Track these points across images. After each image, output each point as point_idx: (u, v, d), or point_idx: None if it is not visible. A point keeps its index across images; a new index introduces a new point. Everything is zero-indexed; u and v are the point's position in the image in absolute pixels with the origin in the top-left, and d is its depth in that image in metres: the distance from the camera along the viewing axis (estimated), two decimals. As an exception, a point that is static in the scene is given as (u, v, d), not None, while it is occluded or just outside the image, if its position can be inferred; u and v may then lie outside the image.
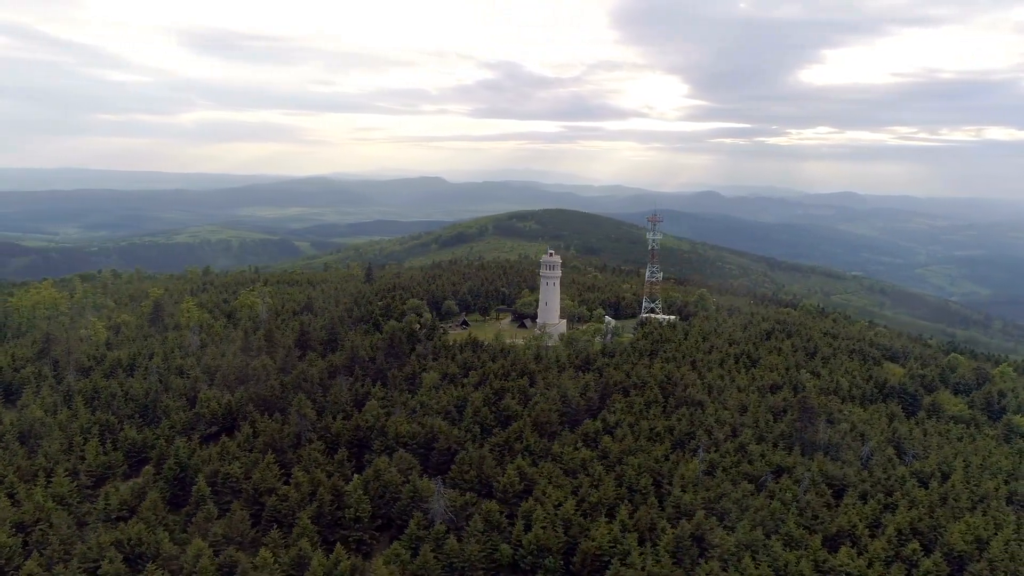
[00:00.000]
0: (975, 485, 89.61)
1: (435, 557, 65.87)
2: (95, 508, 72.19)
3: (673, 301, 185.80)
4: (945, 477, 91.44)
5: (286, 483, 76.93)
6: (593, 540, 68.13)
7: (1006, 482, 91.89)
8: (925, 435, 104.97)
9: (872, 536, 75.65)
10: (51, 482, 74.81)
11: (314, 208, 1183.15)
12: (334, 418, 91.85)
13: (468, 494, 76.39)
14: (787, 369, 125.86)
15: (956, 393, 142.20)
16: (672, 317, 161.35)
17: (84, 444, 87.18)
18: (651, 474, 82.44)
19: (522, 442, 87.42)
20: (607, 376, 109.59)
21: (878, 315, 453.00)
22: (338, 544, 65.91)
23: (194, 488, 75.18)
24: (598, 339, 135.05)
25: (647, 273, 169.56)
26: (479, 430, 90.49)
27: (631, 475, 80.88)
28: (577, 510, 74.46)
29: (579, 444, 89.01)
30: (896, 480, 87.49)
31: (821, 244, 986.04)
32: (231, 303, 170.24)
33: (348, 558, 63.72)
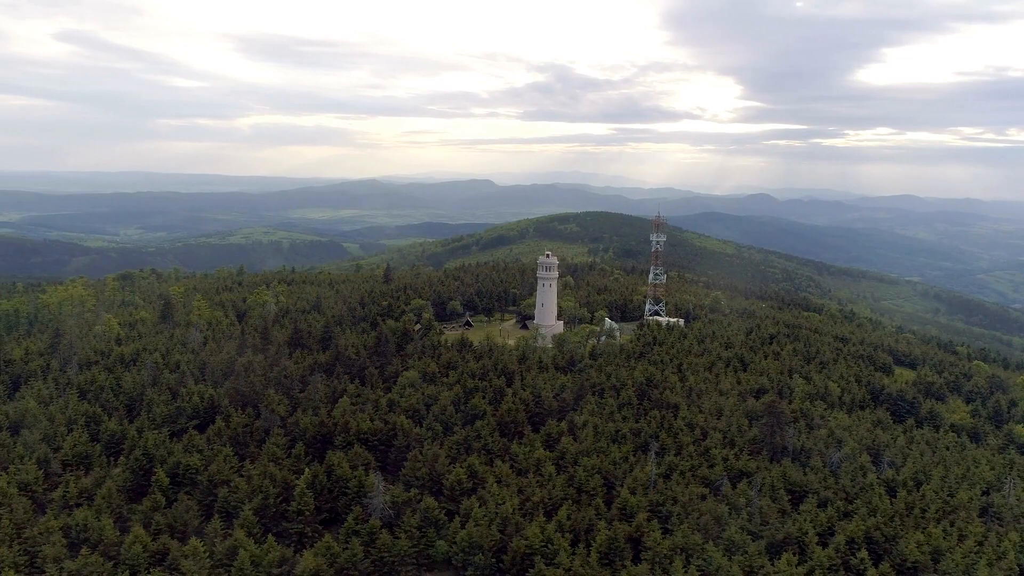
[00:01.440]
0: (948, 495, 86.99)
1: (365, 552, 67.10)
2: (55, 496, 75.55)
3: (685, 304, 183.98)
4: (919, 486, 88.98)
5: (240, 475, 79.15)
6: (525, 539, 68.44)
7: (986, 492, 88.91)
8: (910, 443, 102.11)
9: (823, 544, 74.08)
10: (20, 469, 78.48)
11: (365, 210, 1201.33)
12: (304, 414, 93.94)
13: (413, 490, 77.46)
14: (780, 373, 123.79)
15: (969, 401, 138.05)
16: (674, 320, 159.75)
17: (68, 434, 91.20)
18: (604, 476, 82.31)
19: (480, 441, 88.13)
20: (584, 377, 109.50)
21: (930, 321, 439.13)
22: (270, 536, 67.66)
23: (153, 479, 78.05)
24: (592, 341, 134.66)
25: (651, 276, 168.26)
26: (441, 428, 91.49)
27: (582, 476, 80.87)
28: (521, 509, 74.91)
29: (538, 444, 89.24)
30: (861, 488, 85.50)
31: (877, 248, 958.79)
32: (247, 301, 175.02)
33: (278, 550, 65.39)
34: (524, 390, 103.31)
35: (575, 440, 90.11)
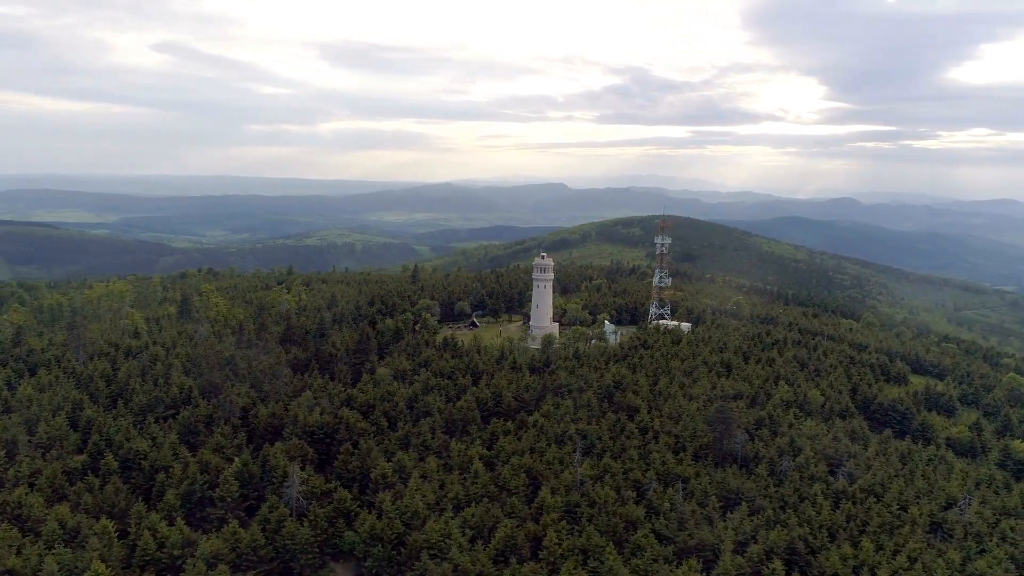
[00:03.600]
0: (900, 509, 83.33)
1: (267, 538, 69.56)
2: (8, 475, 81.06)
3: (703, 308, 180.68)
4: (874, 498, 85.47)
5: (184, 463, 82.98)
6: (423, 533, 69.52)
7: (947, 508, 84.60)
8: (880, 455, 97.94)
9: (740, 552, 72.26)
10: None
11: (440, 213, 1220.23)
12: (265, 406, 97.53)
13: (334, 482, 79.61)
14: (765, 380, 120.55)
15: (988, 415, 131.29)
16: (678, 323, 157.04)
17: (52, 419, 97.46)
18: (532, 476, 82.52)
19: (420, 437, 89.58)
20: (553, 379, 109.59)
21: (1015, 333, 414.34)
22: (179, 519, 70.94)
23: (103, 462, 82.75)
24: (578, 343, 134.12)
25: (655, 279, 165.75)
26: (386, 424, 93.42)
27: (507, 475, 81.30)
28: (438, 505, 76.01)
29: (478, 442, 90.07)
30: (801, 497, 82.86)
31: (969, 256, 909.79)
32: (269, 299, 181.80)
33: (183, 533, 68.56)
34: (485, 389, 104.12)
35: (517, 439, 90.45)
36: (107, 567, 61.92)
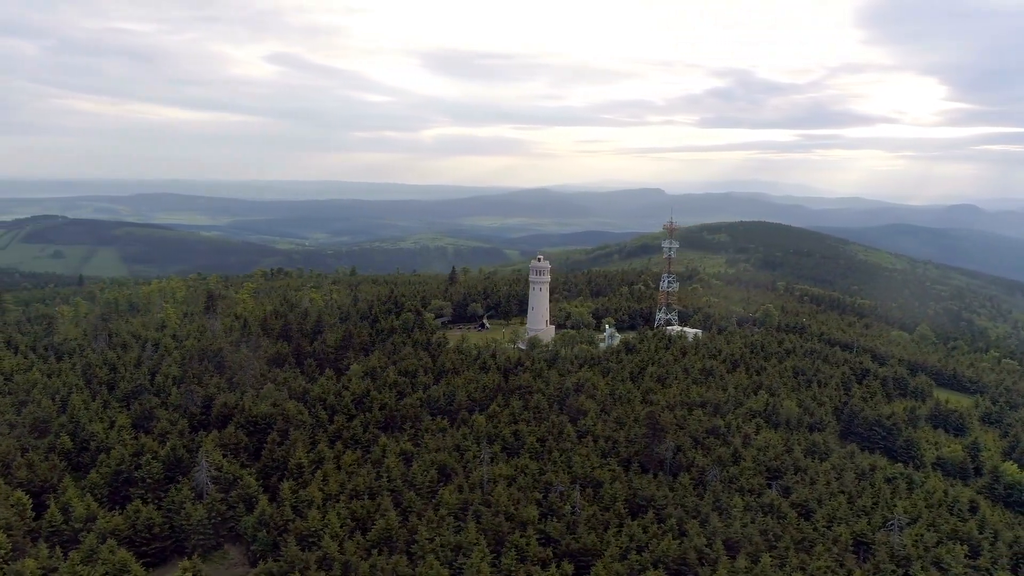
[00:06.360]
0: (826, 526, 79.16)
1: (164, 518, 73.69)
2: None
3: (728, 314, 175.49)
4: (804, 514, 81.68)
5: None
6: (305, 522, 71.81)
7: (885, 526, 79.64)
8: (835, 469, 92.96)
9: (621, 559, 70.74)
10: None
11: (534, 219, 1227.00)
12: (227, 397, 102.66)
13: (245, 469, 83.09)
14: (746, 389, 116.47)
15: (1006, 435, 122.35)
16: (682, 329, 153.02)
17: (42, 402, 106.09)
18: (444, 473, 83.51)
19: (350, 431, 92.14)
20: (514, 380, 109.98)
21: None
22: (88, 495, 76.08)
23: (58, 441, 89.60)
24: (564, 347, 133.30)
25: (663, 283, 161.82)
26: (327, 417, 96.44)
27: (417, 469, 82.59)
28: (337, 496, 78.22)
29: (406, 439, 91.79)
30: (714, 508, 79.98)
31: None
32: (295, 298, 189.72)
33: (87, 507, 73.57)
34: (441, 388, 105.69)
35: (445, 437, 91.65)
36: (7, 536, 67.50)
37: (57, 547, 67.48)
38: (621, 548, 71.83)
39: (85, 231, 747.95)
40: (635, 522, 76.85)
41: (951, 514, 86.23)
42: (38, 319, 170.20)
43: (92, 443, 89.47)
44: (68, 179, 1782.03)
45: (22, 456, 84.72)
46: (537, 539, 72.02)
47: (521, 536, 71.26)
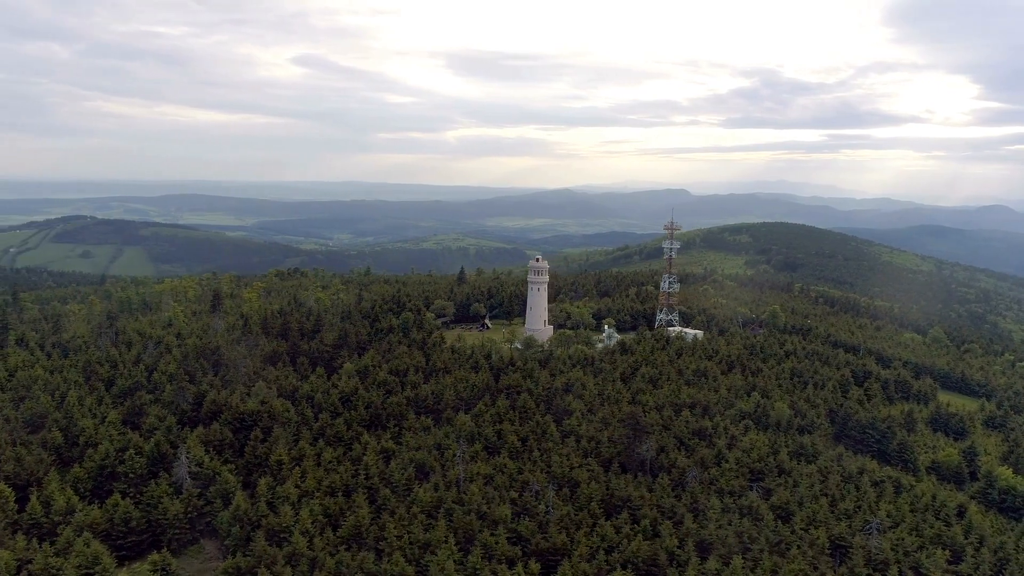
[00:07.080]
0: (804, 529, 78.30)
1: (142, 512, 74.88)
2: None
3: (733, 315, 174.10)
4: (782, 517, 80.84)
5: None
6: (277, 517, 72.57)
7: (861, 532, 78.57)
8: (820, 472, 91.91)
9: (589, 559, 70.57)
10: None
11: (558, 219, 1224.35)
12: (217, 394, 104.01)
13: (228, 464, 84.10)
14: (739, 390, 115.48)
15: (1008, 438, 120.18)
16: (682, 330, 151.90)
17: (39, 397, 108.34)
18: (421, 471, 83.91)
19: (333, 428, 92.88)
20: (503, 379, 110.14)
21: None
22: (68, 489, 77.52)
23: (50, 436, 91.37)
24: (560, 347, 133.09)
25: (663, 284, 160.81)
26: (312, 415, 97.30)
27: (395, 467, 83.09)
28: (317, 490, 78.96)
29: (388, 436, 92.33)
30: (690, 509, 79.49)
31: None
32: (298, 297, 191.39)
33: (67, 501, 75.00)
34: (428, 387, 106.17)
35: (425, 435, 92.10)
36: (-14, 527, 69.17)
37: (35, 539, 68.99)
38: (591, 548, 71.69)
39: (113, 231, 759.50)
40: (608, 522, 76.71)
41: (937, 518, 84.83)
42: (50, 317, 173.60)
43: (81, 438, 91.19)
44: (100, 180, 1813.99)
45: (11, 449, 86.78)
46: (507, 538, 72.21)
47: (491, 535, 71.47)
